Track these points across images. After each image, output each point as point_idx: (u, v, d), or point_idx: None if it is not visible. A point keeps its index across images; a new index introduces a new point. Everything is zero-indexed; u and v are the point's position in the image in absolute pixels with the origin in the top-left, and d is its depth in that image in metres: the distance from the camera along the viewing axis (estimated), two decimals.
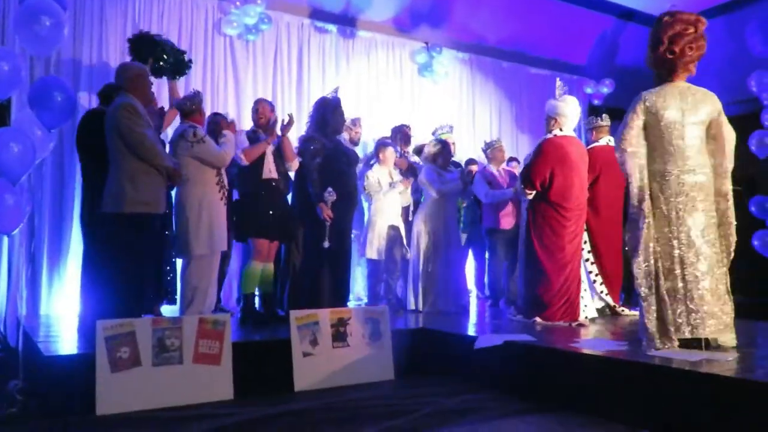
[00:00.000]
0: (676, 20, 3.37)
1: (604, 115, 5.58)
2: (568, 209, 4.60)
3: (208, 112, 5.11)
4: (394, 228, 5.42)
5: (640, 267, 3.32)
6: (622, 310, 5.09)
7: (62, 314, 5.05)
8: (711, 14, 8.31)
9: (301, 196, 4.67)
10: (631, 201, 3.42)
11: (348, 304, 5.70)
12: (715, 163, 3.40)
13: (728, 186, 3.43)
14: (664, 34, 3.38)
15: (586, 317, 4.64)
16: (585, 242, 4.98)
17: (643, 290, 3.31)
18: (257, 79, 6.32)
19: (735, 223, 3.47)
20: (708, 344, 3.23)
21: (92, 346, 3.19)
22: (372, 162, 5.70)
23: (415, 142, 6.85)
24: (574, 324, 4.41)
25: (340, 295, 4.63)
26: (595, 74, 8.63)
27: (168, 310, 4.72)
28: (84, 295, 4.10)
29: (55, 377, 3.13)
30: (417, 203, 5.90)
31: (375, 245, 5.32)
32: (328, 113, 4.67)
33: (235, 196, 4.91)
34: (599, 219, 5.10)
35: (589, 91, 8.61)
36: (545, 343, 3.62)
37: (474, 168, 6.22)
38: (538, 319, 4.49)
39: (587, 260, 5.05)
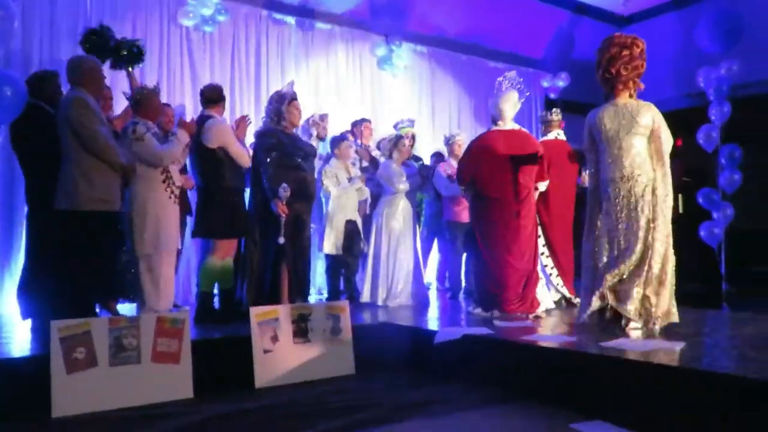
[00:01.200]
0: (613, 44, 3.85)
1: (555, 109, 5.69)
2: (498, 200, 4.68)
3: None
4: (351, 223, 5.43)
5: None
6: (578, 301, 5.21)
7: (14, 314, 4.91)
8: (663, 10, 8.57)
9: (257, 191, 4.62)
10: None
11: (309, 299, 5.73)
12: (656, 168, 3.80)
13: (668, 188, 3.82)
14: (602, 57, 3.87)
15: (544, 309, 4.73)
16: (539, 236, 5.07)
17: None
18: (214, 71, 6.23)
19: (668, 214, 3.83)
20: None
21: (46, 347, 3.12)
22: (329, 157, 5.70)
23: (376, 135, 6.88)
24: (531, 316, 4.51)
25: (300, 290, 4.62)
26: (552, 68, 8.79)
27: (127, 309, 4.65)
28: (34, 294, 3.98)
29: (8, 380, 3.05)
30: (377, 197, 5.92)
31: (333, 240, 5.34)
32: (283, 107, 4.63)
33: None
34: (550, 212, 5.19)
35: (545, 84, 8.76)
36: (502, 335, 3.70)
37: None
38: (495, 312, 4.57)
39: (542, 253, 5.15)
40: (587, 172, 4.38)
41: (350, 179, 5.45)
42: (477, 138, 4.99)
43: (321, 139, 5.90)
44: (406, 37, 7.52)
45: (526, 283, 4.66)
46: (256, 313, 3.72)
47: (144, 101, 4.21)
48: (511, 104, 4.83)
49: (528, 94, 5.07)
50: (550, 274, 5.20)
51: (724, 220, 7.50)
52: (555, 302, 5.12)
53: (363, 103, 7.24)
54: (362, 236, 5.55)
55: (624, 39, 3.89)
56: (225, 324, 4.23)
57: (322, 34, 7.02)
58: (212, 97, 4.61)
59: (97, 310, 4.05)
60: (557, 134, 5.47)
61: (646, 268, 3.74)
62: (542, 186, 4.91)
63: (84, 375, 3.13)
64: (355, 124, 6.24)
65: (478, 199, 4.82)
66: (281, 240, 4.44)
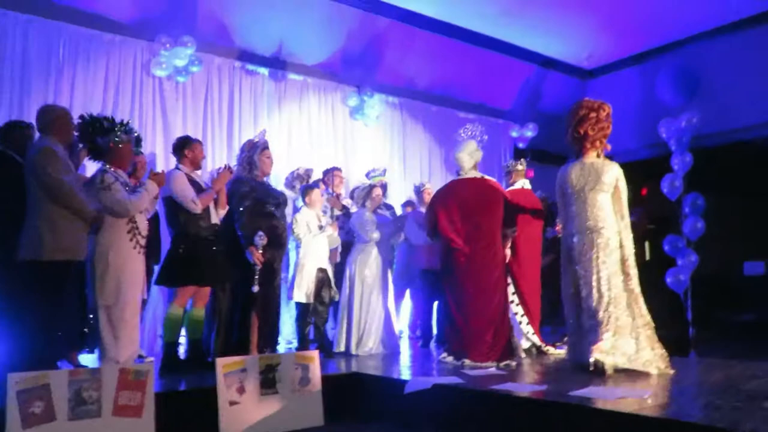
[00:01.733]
0: (582, 107, 4.17)
1: (521, 160, 5.89)
2: (461, 248, 4.74)
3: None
4: (322, 270, 5.42)
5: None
6: (548, 349, 5.23)
7: None
8: (625, 64, 8.91)
9: (229, 239, 4.60)
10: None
11: (278, 348, 5.65)
12: (618, 220, 4.09)
13: (630, 239, 4.12)
14: (572, 118, 4.19)
15: (514, 358, 4.69)
16: (509, 284, 5.14)
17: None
18: (187, 120, 6.25)
19: (635, 269, 4.10)
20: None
21: (2, 401, 3.01)
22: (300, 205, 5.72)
23: (349, 184, 6.94)
24: (501, 364, 4.49)
25: (269, 340, 4.56)
26: (520, 118, 9.01)
27: (90, 360, 4.52)
28: None
29: None
30: (348, 245, 5.93)
31: (303, 288, 5.30)
32: (255, 155, 4.67)
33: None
34: (519, 260, 5.26)
35: (514, 134, 8.96)
36: (472, 385, 3.68)
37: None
38: (467, 361, 4.54)
39: (512, 301, 5.19)
40: (559, 221, 4.66)
41: (321, 227, 5.46)
42: (441, 188, 5.14)
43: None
44: (378, 88, 7.67)
45: (497, 330, 4.65)
46: (222, 363, 3.65)
47: (116, 150, 4.19)
48: (468, 153, 4.97)
49: (486, 139, 5.19)
50: (520, 322, 5.23)
51: (689, 267, 7.64)
52: (525, 350, 5.13)
53: (335, 151, 7.31)
54: (333, 284, 5.53)
55: (592, 103, 4.19)
56: (191, 375, 4.14)
57: (294, 84, 7.13)
58: (174, 148, 4.70)
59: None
60: (523, 184, 5.63)
61: (614, 316, 3.87)
62: (511, 232, 4.97)
63: (41, 430, 3.02)
64: (326, 173, 6.29)
65: (444, 247, 4.89)
66: (255, 288, 4.40)
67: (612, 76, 9.12)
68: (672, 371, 3.89)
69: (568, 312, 4.21)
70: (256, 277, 4.42)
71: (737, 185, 9.63)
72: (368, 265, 5.46)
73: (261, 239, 4.42)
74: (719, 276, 9.76)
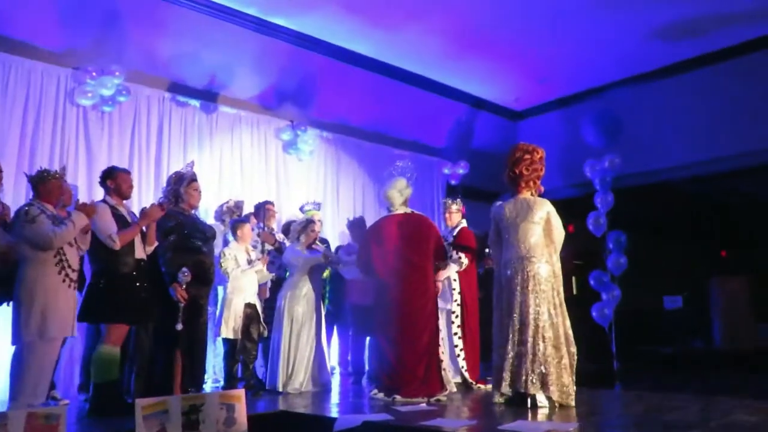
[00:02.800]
0: (518, 149, 4.44)
1: (457, 199, 5.99)
2: (391, 283, 4.80)
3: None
4: (250, 306, 5.29)
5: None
6: (478, 387, 5.26)
7: None
8: (550, 108, 9.30)
9: (153, 275, 4.43)
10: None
11: (205, 386, 5.44)
12: (550, 252, 4.26)
13: (558, 268, 4.28)
14: (509, 159, 4.44)
15: (445, 393, 4.69)
16: (457, 317, 5.32)
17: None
18: (113, 151, 6.03)
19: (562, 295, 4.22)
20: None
21: None
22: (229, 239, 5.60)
23: (281, 218, 6.85)
24: (432, 399, 4.47)
25: (195, 379, 4.38)
26: (452, 156, 9.20)
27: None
28: None
29: None
30: (280, 280, 5.84)
31: (231, 324, 5.15)
32: (181, 188, 4.55)
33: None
34: (464, 296, 5.40)
35: (446, 171, 9.13)
36: (402, 422, 3.63)
37: None
38: (397, 397, 4.50)
39: (455, 334, 5.30)
40: (492, 257, 4.93)
41: (250, 261, 5.35)
42: (373, 224, 5.20)
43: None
44: (312, 123, 7.68)
45: (428, 365, 4.65)
46: (142, 405, 3.46)
47: (42, 184, 4.05)
48: (397, 190, 5.07)
49: (415, 176, 5.34)
50: (458, 356, 5.28)
51: (613, 301, 7.91)
52: (457, 384, 5.17)
53: (267, 185, 7.22)
54: (262, 320, 5.42)
55: (527, 146, 4.46)
56: (110, 418, 3.91)
57: (226, 117, 7.03)
58: (101, 179, 4.52)
59: None
60: (462, 222, 5.76)
61: (542, 346, 3.96)
62: (443, 266, 5.15)
63: None
64: (258, 207, 6.18)
65: (376, 282, 4.92)
66: (179, 326, 4.24)
67: (539, 117, 9.49)
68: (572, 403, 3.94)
69: (498, 343, 4.24)
70: (180, 314, 4.26)
71: (656, 223, 10.12)
72: (299, 301, 5.38)
73: (185, 276, 4.29)
74: (641, 310, 10.15)
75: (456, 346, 5.30)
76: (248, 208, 6.32)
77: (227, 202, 6.08)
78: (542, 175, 4.44)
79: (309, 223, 5.65)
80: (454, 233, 5.64)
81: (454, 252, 5.43)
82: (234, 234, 5.44)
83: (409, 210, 5.10)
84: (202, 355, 4.59)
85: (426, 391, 4.54)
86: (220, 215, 6.06)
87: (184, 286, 4.29)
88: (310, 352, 5.33)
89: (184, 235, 4.43)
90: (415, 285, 4.79)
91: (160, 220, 4.49)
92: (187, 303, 4.32)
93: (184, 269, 4.32)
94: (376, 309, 4.90)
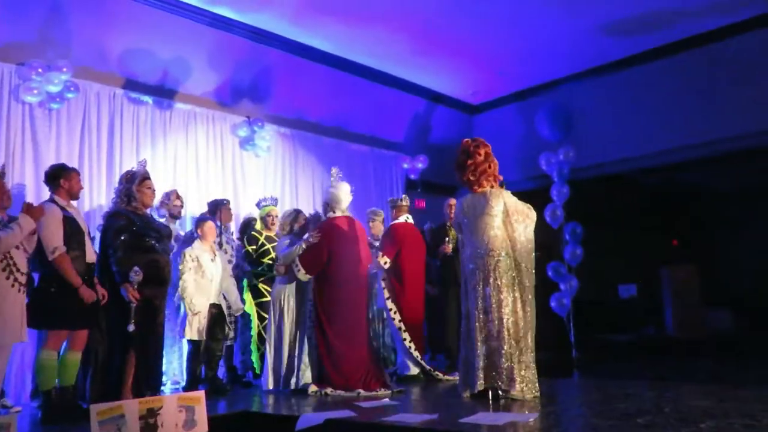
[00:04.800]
0: (461, 152, 4.38)
1: (404, 195, 6.22)
2: (349, 280, 4.98)
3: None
4: (216, 306, 5.21)
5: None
6: (437, 375, 5.32)
7: None
8: (506, 101, 9.40)
9: (105, 276, 4.31)
10: None
11: (164, 389, 5.33)
12: (512, 245, 4.20)
13: (525, 260, 4.22)
14: (455, 164, 4.41)
15: (391, 385, 4.85)
16: (396, 312, 5.47)
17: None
18: (61, 149, 5.82)
19: (531, 286, 4.21)
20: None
21: None
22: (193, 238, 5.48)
23: (239, 217, 6.75)
24: (396, 390, 4.68)
25: (150, 382, 4.28)
26: (411, 150, 9.21)
27: None
28: None
29: None
30: (237, 279, 5.77)
31: (195, 325, 5.05)
32: (133, 186, 4.43)
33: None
34: (404, 289, 5.54)
35: (405, 166, 9.14)
36: (364, 418, 3.63)
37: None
38: (328, 390, 4.65)
39: (400, 329, 5.43)
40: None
41: (213, 260, 5.25)
42: (325, 225, 5.17)
43: (175, 217, 5.71)
44: (269, 119, 7.57)
45: (377, 358, 5.03)
46: (97, 410, 3.36)
47: None
48: (345, 193, 5.25)
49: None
50: (409, 348, 5.40)
51: (570, 291, 8.07)
52: (414, 375, 5.33)
53: (224, 183, 7.10)
54: (227, 321, 5.34)
55: (468, 146, 4.39)
56: (66, 425, 3.80)
57: (181, 114, 6.87)
58: (48, 178, 4.36)
59: None
60: (407, 218, 5.94)
61: (506, 339, 3.98)
62: (382, 262, 5.46)
63: None
64: (215, 205, 6.05)
65: (328, 281, 4.97)
66: (131, 327, 4.13)
67: (495, 111, 9.59)
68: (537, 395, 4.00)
69: (465, 338, 4.25)
70: (132, 315, 4.16)
71: (611, 214, 10.35)
72: (292, 293, 5.22)
73: (136, 275, 4.18)
74: (597, 299, 10.39)
75: (404, 339, 5.42)
76: (205, 207, 6.20)
77: (162, 196, 5.84)
78: (494, 169, 4.37)
79: (298, 212, 5.57)
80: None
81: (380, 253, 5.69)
82: (197, 232, 5.33)
83: (347, 213, 5.29)
84: (158, 359, 4.48)
85: (379, 383, 4.78)
86: (158, 210, 5.83)
87: (135, 286, 4.18)
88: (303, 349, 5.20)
89: (136, 235, 4.31)
90: (363, 284, 5.12)
91: (110, 220, 4.37)
92: (139, 303, 4.20)
93: (136, 268, 4.21)
94: (329, 307, 4.93)
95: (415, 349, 5.40)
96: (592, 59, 8.20)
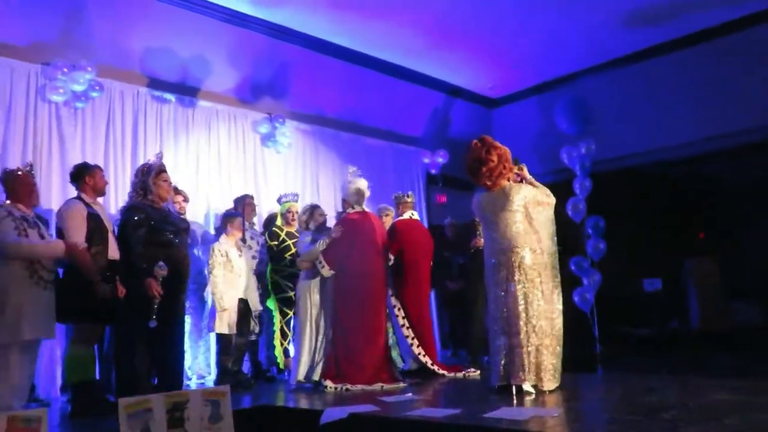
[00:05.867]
0: (473, 159, 4.26)
1: (409, 192, 6.18)
2: (364, 276, 5.00)
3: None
4: (242, 301, 5.26)
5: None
6: (441, 372, 5.36)
7: None
8: (526, 95, 9.33)
9: (123, 270, 4.34)
10: None
11: (189, 383, 5.41)
12: (536, 238, 4.14)
13: (549, 254, 4.18)
14: (467, 170, 4.34)
15: (398, 379, 4.91)
16: (399, 309, 5.45)
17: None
18: (86, 147, 5.93)
19: (556, 276, 4.20)
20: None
21: None
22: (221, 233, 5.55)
23: (261, 212, 6.80)
24: (384, 387, 4.70)
25: (170, 377, 4.32)
26: (430, 145, 9.20)
27: None
28: None
29: None
30: (260, 275, 5.81)
31: (225, 319, 5.11)
32: (149, 180, 4.42)
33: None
34: (407, 286, 5.51)
35: (426, 161, 9.14)
36: (388, 412, 3.65)
37: None
38: (348, 386, 4.67)
39: (403, 325, 5.43)
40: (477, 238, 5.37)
41: (240, 256, 5.31)
42: (344, 219, 5.24)
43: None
44: (290, 115, 7.62)
45: (386, 355, 5.05)
46: (125, 404, 3.43)
47: (10, 183, 3.96)
48: (363, 190, 5.27)
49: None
50: (411, 344, 5.41)
51: (593, 286, 8.01)
52: (415, 371, 5.34)
53: (246, 180, 7.16)
54: (253, 316, 5.40)
55: (479, 152, 4.26)
56: (95, 419, 3.87)
57: (203, 111, 6.94)
58: (73, 176, 4.44)
59: None
60: (411, 214, 5.90)
61: (531, 334, 3.96)
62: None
63: None
64: (237, 201, 6.13)
65: (345, 275, 4.99)
66: (153, 323, 4.16)
67: (515, 105, 9.54)
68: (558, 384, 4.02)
69: (491, 334, 4.23)
70: (154, 310, 4.18)
71: (633, 208, 10.23)
72: (316, 288, 5.20)
73: (161, 270, 4.18)
74: (621, 293, 10.28)
75: (407, 336, 5.43)
76: (228, 203, 6.26)
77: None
78: (510, 171, 4.29)
79: (314, 208, 5.58)
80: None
81: None
82: (225, 228, 5.37)
83: (366, 208, 5.35)
84: (176, 353, 4.50)
85: (392, 376, 4.87)
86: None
87: (159, 281, 4.21)
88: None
89: (154, 229, 4.30)
90: (382, 279, 5.12)
91: (127, 214, 4.36)
92: (161, 299, 4.21)
93: (161, 263, 4.19)
94: (346, 301, 4.96)
95: (418, 346, 5.39)
96: (611, 51, 8.12)
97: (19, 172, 4.05)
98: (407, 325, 5.44)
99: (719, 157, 8.50)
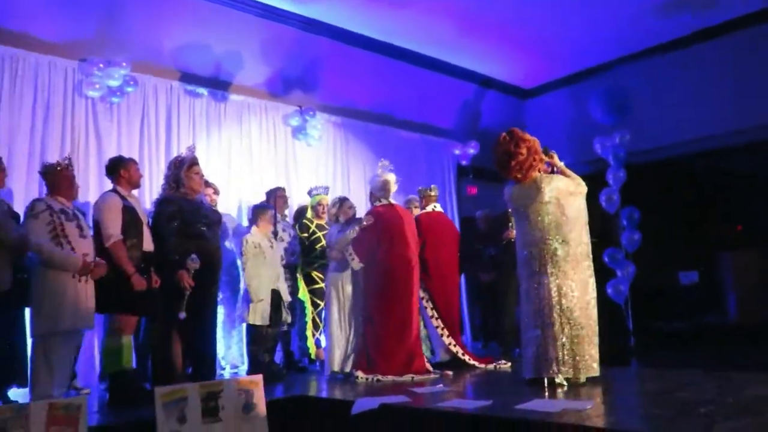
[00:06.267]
0: (501, 152, 4.23)
1: (433, 185, 6.19)
2: (394, 268, 5.01)
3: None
4: (275, 292, 5.32)
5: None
6: (472, 363, 5.38)
7: None
8: (557, 85, 9.20)
9: (156, 262, 4.41)
10: None
11: (223, 373, 5.50)
12: (568, 229, 4.10)
13: (580, 238, 4.13)
14: (496, 163, 4.31)
15: (429, 371, 4.93)
16: (428, 300, 5.50)
17: None
18: (122, 141, 6.05)
19: (589, 267, 4.16)
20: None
21: None
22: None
23: (292, 205, 6.85)
24: (415, 378, 4.71)
25: (203, 368, 4.39)
26: (461, 137, 9.14)
27: (19, 394, 4.29)
28: None
29: None
30: (292, 267, 5.86)
31: (259, 310, 5.18)
32: (182, 172, 4.48)
33: None
34: (432, 278, 5.53)
35: (456, 152, 9.08)
36: (419, 403, 3.66)
37: None
38: (379, 377, 4.69)
39: (432, 317, 5.47)
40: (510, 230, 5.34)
41: (272, 247, 5.36)
42: (373, 211, 5.26)
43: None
44: (320, 107, 7.64)
45: (417, 346, 5.04)
46: (161, 393, 3.51)
47: (51, 177, 4.07)
48: (392, 184, 5.33)
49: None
50: (441, 335, 5.45)
51: (627, 278, 7.88)
52: (447, 363, 5.35)
53: (277, 172, 7.21)
54: (285, 307, 5.46)
55: (507, 145, 4.22)
56: (132, 407, 3.96)
57: (234, 105, 7.01)
58: (109, 169, 4.52)
59: None
60: (434, 206, 5.94)
61: (565, 326, 3.93)
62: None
63: None
64: (269, 194, 6.18)
65: (375, 267, 5.03)
66: (182, 315, 4.23)
67: (547, 96, 9.41)
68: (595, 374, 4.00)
69: (524, 326, 4.21)
70: (184, 302, 4.24)
71: (668, 199, 10.02)
72: (347, 280, 5.25)
73: (193, 262, 4.24)
74: (657, 286, 10.10)
75: (437, 327, 5.46)
76: (260, 196, 6.32)
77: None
78: (538, 160, 4.24)
79: (343, 201, 5.63)
80: None
81: None
82: (256, 220, 5.44)
83: (393, 201, 5.37)
84: (208, 344, 4.57)
85: (424, 367, 4.88)
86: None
87: (191, 273, 4.27)
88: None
89: (186, 221, 4.36)
90: (412, 271, 5.10)
91: (160, 207, 4.45)
92: (191, 291, 4.28)
93: (193, 256, 4.25)
94: (375, 293, 4.99)
95: (448, 336, 5.43)
96: (645, 40, 7.95)
97: (59, 167, 4.16)
98: (436, 315, 5.49)
99: (758, 149, 8.26)
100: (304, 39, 7.14)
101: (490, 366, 5.33)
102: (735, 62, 7.47)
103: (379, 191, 5.30)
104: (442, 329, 5.45)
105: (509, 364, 5.39)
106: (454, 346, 5.41)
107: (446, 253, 5.70)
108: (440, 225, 5.82)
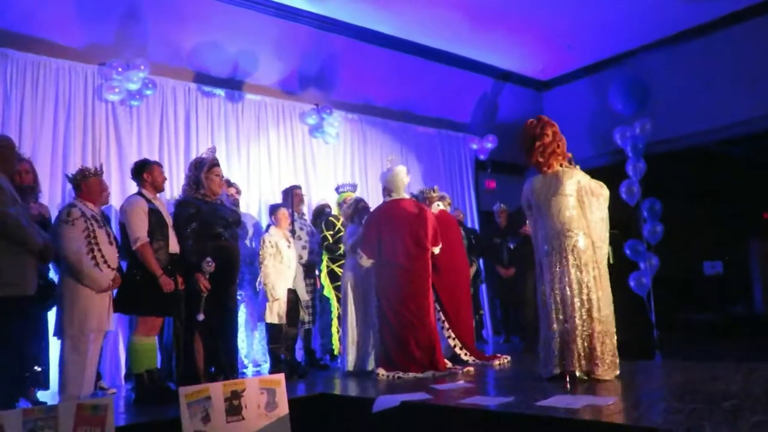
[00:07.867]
0: (526, 137, 4.28)
1: (435, 186, 6.24)
2: (401, 264, 4.96)
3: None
4: (292, 291, 5.35)
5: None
6: (465, 356, 5.35)
7: None
8: (577, 76, 9.10)
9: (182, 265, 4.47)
10: None
11: (246, 371, 5.55)
12: (587, 223, 4.09)
13: (602, 241, 4.14)
14: (522, 148, 4.34)
15: (450, 368, 4.90)
16: (434, 300, 5.37)
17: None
18: (142, 144, 6.12)
19: (605, 265, 4.13)
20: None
21: None
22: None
23: (311, 203, 6.88)
24: (436, 375, 4.69)
25: (224, 367, 4.43)
26: (479, 131, 9.10)
27: (46, 396, 4.38)
28: None
29: None
30: (311, 265, 5.88)
31: (276, 309, 5.22)
32: (202, 174, 4.51)
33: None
34: (441, 277, 5.47)
35: (474, 146, 9.05)
36: (440, 401, 3.66)
37: None
38: (399, 374, 4.69)
39: (438, 319, 5.41)
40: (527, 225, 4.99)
41: (290, 246, 5.40)
42: (378, 208, 5.30)
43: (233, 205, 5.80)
44: (337, 105, 7.66)
45: (434, 343, 4.96)
46: (185, 392, 3.55)
47: (83, 182, 4.14)
48: (402, 177, 5.26)
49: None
50: (442, 328, 5.44)
51: (650, 270, 7.79)
52: (447, 359, 5.27)
53: (295, 171, 7.25)
54: (303, 306, 5.48)
55: (533, 130, 4.27)
56: (157, 406, 4.02)
57: (252, 105, 7.05)
58: (134, 173, 4.58)
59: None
60: (437, 205, 5.94)
61: (586, 320, 3.91)
62: (436, 249, 5.28)
63: None
64: (286, 192, 6.20)
65: (382, 263, 5.02)
66: (201, 317, 4.27)
67: (566, 87, 9.31)
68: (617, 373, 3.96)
69: (543, 321, 4.18)
70: (202, 304, 4.28)
71: (690, 189, 9.89)
72: (363, 280, 5.29)
73: (209, 266, 4.27)
74: (680, 277, 9.98)
75: (443, 327, 5.43)
76: (279, 195, 6.35)
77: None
78: (562, 148, 4.26)
79: (358, 202, 5.65)
80: None
81: None
82: (271, 219, 5.48)
83: (407, 196, 5.33)
84: (228, 343, 4.61)
85: (441, 363, 4.84)
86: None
87: (207, 276, 4.31)
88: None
89: (205, 223, 4.41)
90: (424, 267, 5.05)
91: (179, 208, 4.49)
92: (209, 293, 4.32)
93: (208, 259, 4.30)
94: (385, 291, 4.98)
95: (448, 329, 5.42)
96: (665, 28, 7.83)
97: (94, 175, 4.23)
98: (438, 308, 5.45)
99: None
100: (320, 37, 7.15)
101: (494, 363, 5.27)
102: (757, 47, 7.33)
103: (388, 185, 5.28)
104: (448, 329, 5.44)
105: (508, 358, 5.39)
106: (453, 339, 5.41)
107: (450, 252, 5.63)
108: (443, 224, 5.73)
